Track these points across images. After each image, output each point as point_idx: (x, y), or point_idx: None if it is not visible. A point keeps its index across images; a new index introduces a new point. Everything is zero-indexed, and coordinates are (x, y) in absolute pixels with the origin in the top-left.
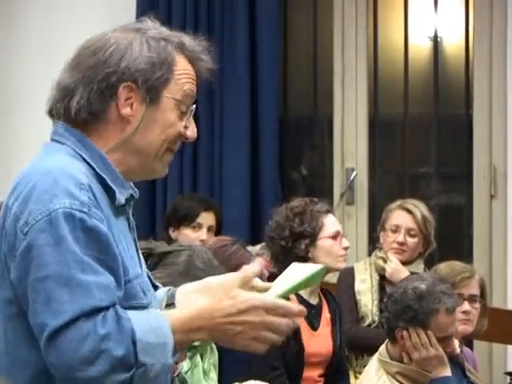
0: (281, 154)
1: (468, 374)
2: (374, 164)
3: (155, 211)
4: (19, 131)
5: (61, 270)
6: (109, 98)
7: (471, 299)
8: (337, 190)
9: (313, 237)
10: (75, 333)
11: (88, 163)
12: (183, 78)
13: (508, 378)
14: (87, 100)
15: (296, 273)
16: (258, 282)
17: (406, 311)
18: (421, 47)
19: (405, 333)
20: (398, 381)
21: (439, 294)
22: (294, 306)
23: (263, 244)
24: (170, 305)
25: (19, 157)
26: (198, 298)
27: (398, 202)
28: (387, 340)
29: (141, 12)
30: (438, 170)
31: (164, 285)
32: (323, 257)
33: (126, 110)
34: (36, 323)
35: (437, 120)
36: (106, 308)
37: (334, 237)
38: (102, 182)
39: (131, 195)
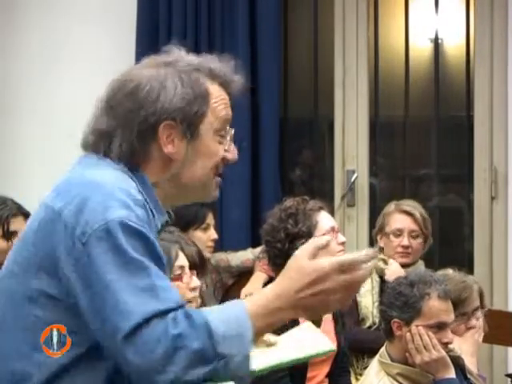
0: (281, 156)
1: (468, 375)
2: (374, 166)
3: None
4: (19, 131)
5: (124, 275)
6: (150, 139)
7: (474, 314)
8: (337, 192)
9: (308, 236)
10: (149, 333)
11: (136, 185)
12: (218, 105)
13: (509, 380)
14: (128, 144)
15: (305, 343)
16: (268, 338)
17: (398, 298)
18: (421, 49)
19: (408, 335)
20: (398, 382)
21: (430, 280)
22: (359, 255)
23: (263, 247)
24: None
25: (19, 157)
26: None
27: (393, 205)
28: (387, 342)
29: (141, 13)
30: (439, 172)
31: None
32: (320, 254)
33: (168, 148)
34: (105, 329)
35: (437, 122)
36: (174, 309)
37: (330, 233)
38: (148, 205)
39: (166, 221)
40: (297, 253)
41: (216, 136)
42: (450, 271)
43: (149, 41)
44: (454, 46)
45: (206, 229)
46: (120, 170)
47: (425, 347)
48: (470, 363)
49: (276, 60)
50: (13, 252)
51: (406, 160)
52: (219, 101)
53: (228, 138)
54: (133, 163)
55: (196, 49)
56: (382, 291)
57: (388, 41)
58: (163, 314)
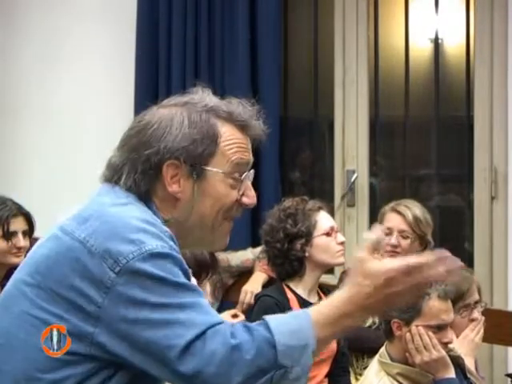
0: (281, 156)
1: (469, 375)
2: (374, 166)
3: None
4: (19, 131)
5: (170, 299)
6: (154, 178)
7: (475, 306)
8: (337, 192)
9: (308, 236)
10: (205, 345)
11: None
12: (231, 148)
13: (509, 379)
14: (133, 181)
15: None
16: None
17: None
18: (421, 49)
19: (407, 335)
20: (398, 382)
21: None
22: (425, 258)
23: (263, 247)
24: None
25: (19, 157)
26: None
27: (392, 204)
28: (387, 342)
29: (141, 14)
30: (439, 172)
31: None
32: (320, 254)
33: (173, 188)
34: (159, 351)
35: (437, 122)
36: (225, 323)
37: (329, 233)
38: None
39: None
40: (358, 256)
41: (227, 179)
42: None
43: (149, 41)
44: (453, 45)
45: None
46: (142, 207)
47: (425, 347)
48: (467, 363)
49: (276, 60)
50: (22, 270)
51: (406, 160)
52: (232, 143)
53: (246, 181)
54: (141, 199)
55: (196, 49)
56: None
57: (388, 41)
58: (218, 325)
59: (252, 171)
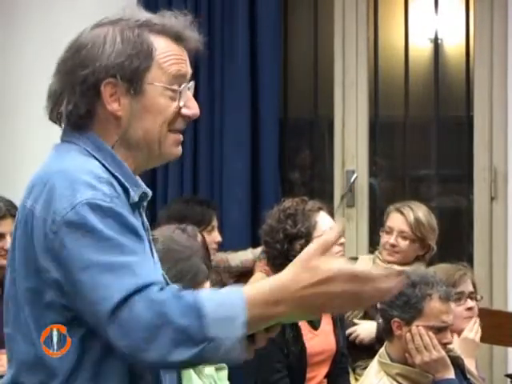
0: (281, 156)
1: (468, 375)
2: (374, 166)
3: (156, 212)
4: (19, 131)
5: (100, 257)
6: (94, 98)
7: (470, 296)
8: (337, 193)
9: (307, 236)
10: (130, 311)
11: (101, 163)
12: (167, 60)
13: (509, 380)
14: (74, 104)
15: None
16: None
17: (399, 297)
18: (421, 49)
19: (408, 335)
20: (398, 382)
21: (432, 280)
22: (377, 272)
23: (263, 247)
24: None
25: (19, 157)
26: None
27: (398, 204)
28: (387, 342)
29: None
30: (439, 172)
31: None
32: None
33: (112, 106)
34: (90, 315)
35: (437, 122)
36: (155, 284)
37: None
38: (116, 180)
39: (144, 193)
40: (308, 248)
41: (166, 91)
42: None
43: None
44: (453, 46)
45: (210, 231)
46: (82, 152)
47: (425, 347)
48: (467, 364)
49: (276, 60)
50: (8, 259)
51: (405, 160)
52: (168, 56)
53: (187, 93)
54: (82, 125)
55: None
56: None
57: (388, 41)
58: (143, 288)
59: (192, 83)
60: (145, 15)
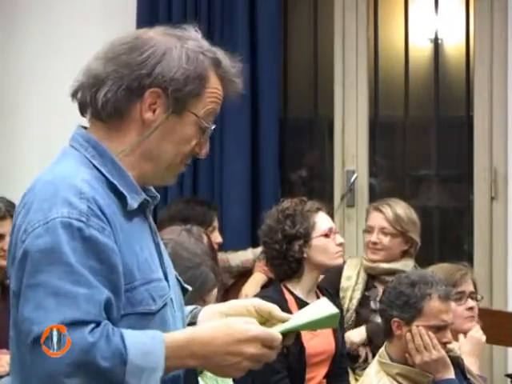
0: (281, 156)
1: (468, 375)
2: (374, 166)
3: (156, 213)
4: (19, 131)
5: (51, 279)
6: (135, 99)
7: (471, 296)
8: (337, 193)
9: (306, 237)
10: (59, 341)
11: (99, 170)
12: (211, 96)
13: (509, 380)
14: (114, 95)
15: (313, 311)
16: (278, 312)
17: (398, 297)
18: (421, 49)
19: (408, 335)
20: (398, 382)
21: (432, 280)
22: (279, 337)
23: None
24: (192, 324)
25: (19, 157)
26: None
27: (376, 203)
28: (386, 341)
29: (141, 13)
30: (439, 172)
31: None
32: (318, 256)
33: (148, 115)
34: (22, 330)
35: (437, 122)
36: (93, 322)
37: (327, 234)
38: (113, 188)
39: (146, 200)
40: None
41: (196, 125)
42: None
43: None
44: (453, 46)
45: (211, 232)
46: (78, 160)
47: (425, 347)
48: (469, 363)
49: (276, 60)
50: None
51: (405, 160)
52: (213, 92)
53: (206, 132)
54: (108, 118)
55: None
56: (367, 288)
57: (388, 41)
58: (79, 324)
59: (214, 126)
60: (206, 43)
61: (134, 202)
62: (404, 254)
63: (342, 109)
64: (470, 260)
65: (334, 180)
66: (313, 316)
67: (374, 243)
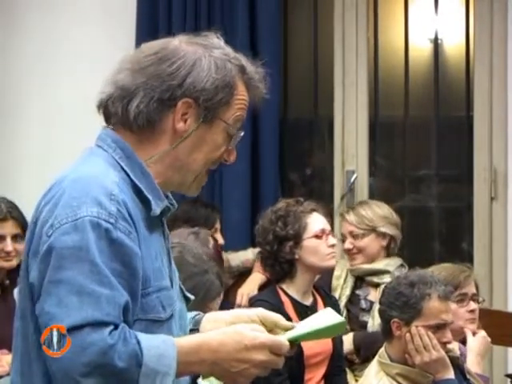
0: (281, 156)
1: (468, 376)
2: (374, 166)
3: None
4: (19, 131)
5: (76, 276)
6: (167, 109)
7: (473, 298)
8: (337, 193)
9: (297, 238)
10: (78, 340)
11: (126, 173)
12: (239, 103)
13: (508, 380)
14: (146, 106)
15: (319, 320)
16: (282, 321)
17: (398, 298)
18: (421, 49)
19: (407, 335)
20: (398, 382)
21: (431, 280)
22: (286, 345)
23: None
24: (194, 330)
25: (19, 157)
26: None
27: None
28: (386, 342)
29: (141, 13)
30: (439, 172)
31: None
32: (310, 257)
33: (180, 125)
34: (40, 324)
35: (437, 122)
36: (112, 324)
37: (319, 236)
38: (138, 192)
39: (167, 207)
40: (252, 315)
41: (225, 132)
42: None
43: (148, 40)
44: (453, 46)
45: (213, 233)
46: (107, 161)
47: (425, 347)
48: (475, 362)
49: (276, 60)
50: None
51: (405, 160)
52: (240, 99)
53: (234, 139)
54: (143, 128)
55: None
56: (356, 287)
57: (388, 41)
58: (100, 324)
59: (242, 133)
60: (231, 51)
61: (157, 208)
62: (387, 251)
63: (342, 109)
64: (470, 260)
65: (334, 180)
66: (319, 325)
67: (349, 249)
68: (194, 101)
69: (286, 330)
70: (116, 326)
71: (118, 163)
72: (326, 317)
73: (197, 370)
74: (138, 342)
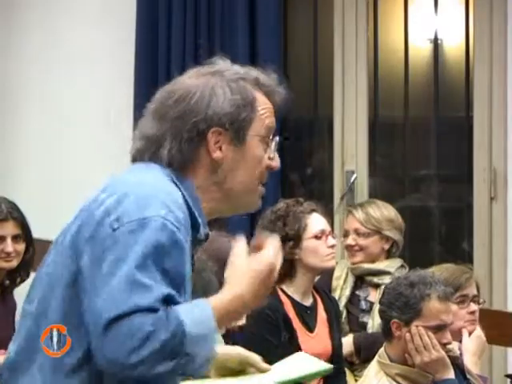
0: (281, 156)
1: (468, 376)
2: (374, 166)
3: None
4: (19, 131)
5: (133, 270)
6: (198, 145)
7: (474, 299)
8: (337, 193)
9: (296, 239)
10: (130, 324)
11: (182, 193)
12: (264, 113)
13: (508, 380)
14: (178, 149)
15: (299, 366)
16: (259, 363)
17: (398, 298)
18: (421, 49)
19: (407, 335)
20: (398, 382)
21: (431, 280)
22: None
23: None
24: None
25: (19, 157)
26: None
27: (350, 207)
28: (386, 342)
29: (141, 13)
30: (438, 173)
31: None
32: (310, 257)
33: (217, 154)
34: (94, 311)
35: (437, 122)
36: (158, 309)
37: (319, 236)
38: (190, 214)
39: (206, 235)
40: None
41: (262, 143)
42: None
43: (148, 39)
44: (453, 46)
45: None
46: (167, 176)
47: (424, 347)
48: (471, 362)
49: (276, 60)
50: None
51: (405, 160)
52: (265, 109)
53: (272, 145)
54: (181, 168)
55: (195, 49)
56: (356, 287)
57: (387, 41)
58: (148, 310)
59: (277, 137)
60: (239, 68)
61: (202, 234)
62: (388, 255)
63: (342, 109)
64: (470, 260)
65: (334, 180)
66: (310, 370)
67: (351, 246)
68: (221, 127)
69: (262, 371)
70: (158, 309)
71: (175, 182)
72: (310, 362)
73: (237, 316)
74: (178, 313)
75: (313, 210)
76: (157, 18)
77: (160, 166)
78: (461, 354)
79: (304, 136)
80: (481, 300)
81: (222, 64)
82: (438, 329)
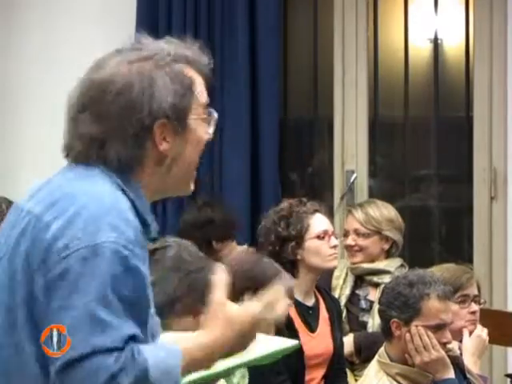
0: (281, 156)
1: (468, 375)
2: (374, 166)
3: (156, 213)
4: (19, 131)
5: (89, 304)
6: (144, 140)
7: (475, 299)
8: (337, 192)
9: (299, 239)
10: (89, 367)
11: (126, 193)
12: (200, 91)
13: (508, 380)
14: (124, 148)
15: (263, 345)
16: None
17: (397, 298)
18: (421, 49)
19: (407, 335)
20: (398, 382)
21: (430, 280)
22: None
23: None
24: None
25: (19, 157)
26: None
27: (350, 207)
28: (386, 342)
29: (141, 13)
30: (438, 172)
31: (154, 281)
32: (312, 258)
33: (163, 146)
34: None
35: (437, 122)
36: (118, 349)
37: (322, 236)
38: (138, 215)
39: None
40: (217, 300)
41: (202, 123)
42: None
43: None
44: (453, 46)
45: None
46: (111, 182)
47: (424, 347)
48: (471, 362)
49: (276, 60)
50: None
51: (405, 160)
52: (200, 87)
53: (212, 122)
54: (127, 166)
55: None
56: (356, 287)
57: (387, 41)
58: (109, 351)
59: (214, 113)
60: (168, 46)
61: (154, 231)
62: (387, 255)
63: (342, 109)
64: (470, 260)
65: (334, 180)
66: (275, 347)
67: (351, 246)
68: (165, 119)
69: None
70: (123, 349)
71: (120, 186)
72: (276, 340)
73: (208, 364)
74: (145, 360)
75: (316, 211)
76: (157, 18)
77: (102, 168)
78: (461, 353)
79: (304, 136)
80: (482, 300)
81: (147, 44)
82: (438, 328)
